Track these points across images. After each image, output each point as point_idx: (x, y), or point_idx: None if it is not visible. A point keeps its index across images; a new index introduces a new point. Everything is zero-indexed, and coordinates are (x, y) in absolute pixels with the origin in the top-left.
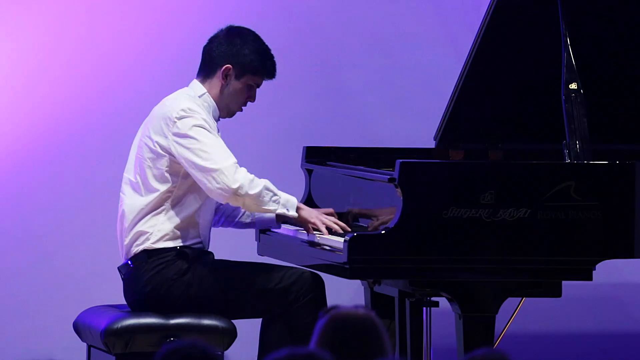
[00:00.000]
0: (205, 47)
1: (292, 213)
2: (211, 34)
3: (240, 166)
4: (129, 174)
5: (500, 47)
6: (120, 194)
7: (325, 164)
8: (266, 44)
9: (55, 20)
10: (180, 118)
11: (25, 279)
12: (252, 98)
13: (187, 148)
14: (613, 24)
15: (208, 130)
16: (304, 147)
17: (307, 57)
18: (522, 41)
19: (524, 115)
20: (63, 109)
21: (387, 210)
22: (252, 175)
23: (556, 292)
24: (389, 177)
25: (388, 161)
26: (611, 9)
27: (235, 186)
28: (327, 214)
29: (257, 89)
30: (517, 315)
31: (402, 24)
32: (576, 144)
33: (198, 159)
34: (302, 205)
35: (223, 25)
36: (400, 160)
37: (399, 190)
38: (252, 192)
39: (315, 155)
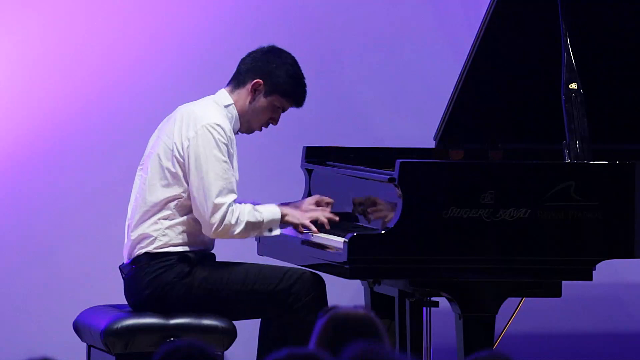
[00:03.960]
0: (242, 60)
1: (276, 232)
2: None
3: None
4: (144, 170)
5: (500, 47)
6: (134, 188)
7: (325, 164)
8: (302, 72)
9: (55, 20)
10: (206, 131)
11: (25, 279)
12: (274, 120)
13: (197, 169)
14: (613, 23)
15: (224, 160)
16: (304, 147)
17: (307, 57)
18: (522, 41)
19: (524, 115)
20: (63, 109)
21: (387, 210)
22: (238, 212)
23: (556, 292)
24: (389, 177)
25: (388, 161)
26: (611, 9)
27: (219, 230)
28: (322, 201)
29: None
30: (517, 315)
31: (402, 24)
32: (576, 144)
33: (200, 182)
34: (286, 210)
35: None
36: (400, 160)
37: (399, 190)
38: (236, 232)
39: (315, 155)
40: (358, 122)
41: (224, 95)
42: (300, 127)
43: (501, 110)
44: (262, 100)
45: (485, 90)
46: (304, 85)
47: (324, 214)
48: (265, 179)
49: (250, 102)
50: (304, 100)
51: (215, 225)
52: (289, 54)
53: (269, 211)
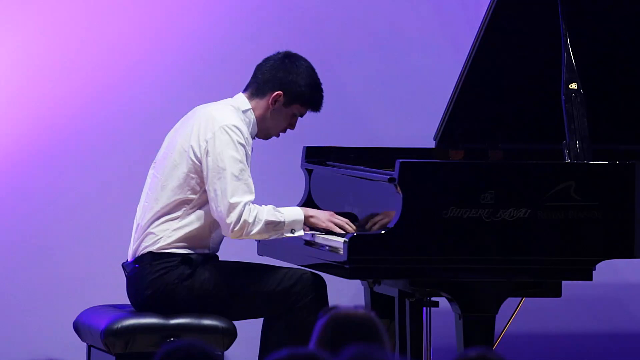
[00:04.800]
0: (259, 66)
1: (299, 233)
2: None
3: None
4: (157, 170)
5: (500, 47)
6: (145, 187)
7: (325, 164)
8: (318, 76)
9: (56, 20)
10: (224, 132)
11: (25, 279)
12: (292, 126)
13: (214, 169)
14: (613, 24)
15: (241, 161)
16: (304, 147)
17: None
18: (522, 41)
19: (524, 115)
20: (63, 109)
21: (387, 210)
22: (256, 211)
23: (556, 292)
24: (389, 177)
25: (388, 161)
26: (611, 9)
27: (236, 229)
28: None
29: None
30: (517, 315)
31: (402, 24)
32: (576, 144)
33: (218, 183)
34: (310, 212)
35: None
36: (400, 160)
37: (398, 190)
38: (253, 231)
39: (315, 155)
40: (358, 122)
41: (243, 100)
42: (300, 127)
43: (501, 110)
44: (282, 111)
45: (485, 90)
46: (321, 90)
47: (349, 224)
48: (265, 179)
49: (270, 113)
50: (321, 105)
51: (232, 225)
52: (305, 60)
53: (292, 212)
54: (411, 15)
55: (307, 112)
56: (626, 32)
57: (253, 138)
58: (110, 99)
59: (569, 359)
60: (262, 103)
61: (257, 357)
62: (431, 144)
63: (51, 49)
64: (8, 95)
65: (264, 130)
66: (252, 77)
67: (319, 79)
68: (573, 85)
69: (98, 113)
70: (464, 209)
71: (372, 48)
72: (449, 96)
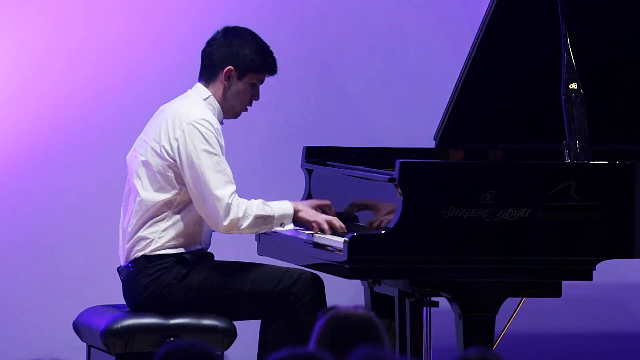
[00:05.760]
0: (204, 51)
1: (289, 227)
2: (211, 34)
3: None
4: (135, 173)
5: (500, 47)
6: (125, 194)
7: (325, 164)
8: (264, 40)
9: (56, 20)
10: (193, 128)
11: (26, 279)
12: (256, 96)
13: (190, 167)
14: (613, 24)
15: (215, 153)
16: (304, 147)
17: (307, 57)
18: (522, 41)
19: (524, 115)
20: (64, 109)
21: (387, 210)
22: (245, 205)
23: (556, 292)
24: (389, 177)
25: (388, 161)
26: (611, 9)
27: (225, 223)
28: (323, 205)
29: (260, 87)
30: (517, 315)
31: (402, 24)
32: (576, 144)
33: (198, 179)
34: (299, 206)
35: (223, 25)
36: (400, 160)
37: (399, 190)
38: (243, 226)
39: (315, 155)
40: (358, 122)
41: (202, 89)
42: (300, 127)
43: (501, 110)
44: (238, 84)
45: (486, 90)
46: (271, 52)
47: (338, 221)
48: (265, 179)
49: (228, 90)
50: (276, 66)
51: (221, 219)
52: (245, 29)
53: (281, 206)
54: (411, 15)
55: (266, 77)
56: (626, 32)
57: (221, 123)
58: (110, 99)
59: (569, 359)
60: (217, 84)
61: (256, 358)
62: (431, 144)
63: (51, 49)
64: (8, 95)
65: (230, 109)
66: (201, 64)
67: (264, 42)
68: (573, 85)
69: (98, 113)
70: (464, 209)
71: (372, 48)
72: (449, 96)
